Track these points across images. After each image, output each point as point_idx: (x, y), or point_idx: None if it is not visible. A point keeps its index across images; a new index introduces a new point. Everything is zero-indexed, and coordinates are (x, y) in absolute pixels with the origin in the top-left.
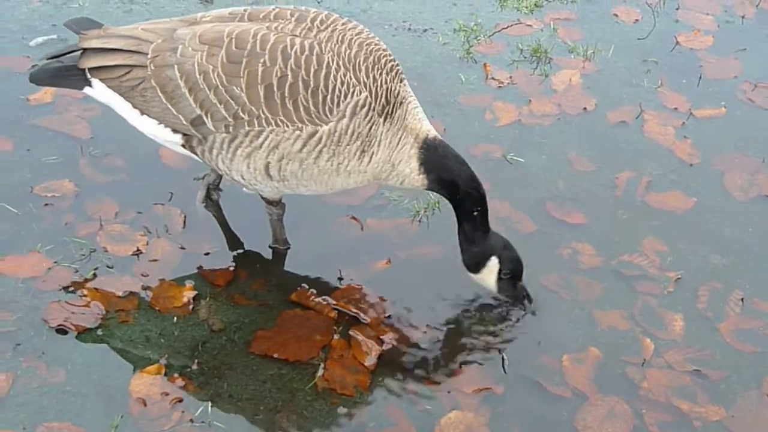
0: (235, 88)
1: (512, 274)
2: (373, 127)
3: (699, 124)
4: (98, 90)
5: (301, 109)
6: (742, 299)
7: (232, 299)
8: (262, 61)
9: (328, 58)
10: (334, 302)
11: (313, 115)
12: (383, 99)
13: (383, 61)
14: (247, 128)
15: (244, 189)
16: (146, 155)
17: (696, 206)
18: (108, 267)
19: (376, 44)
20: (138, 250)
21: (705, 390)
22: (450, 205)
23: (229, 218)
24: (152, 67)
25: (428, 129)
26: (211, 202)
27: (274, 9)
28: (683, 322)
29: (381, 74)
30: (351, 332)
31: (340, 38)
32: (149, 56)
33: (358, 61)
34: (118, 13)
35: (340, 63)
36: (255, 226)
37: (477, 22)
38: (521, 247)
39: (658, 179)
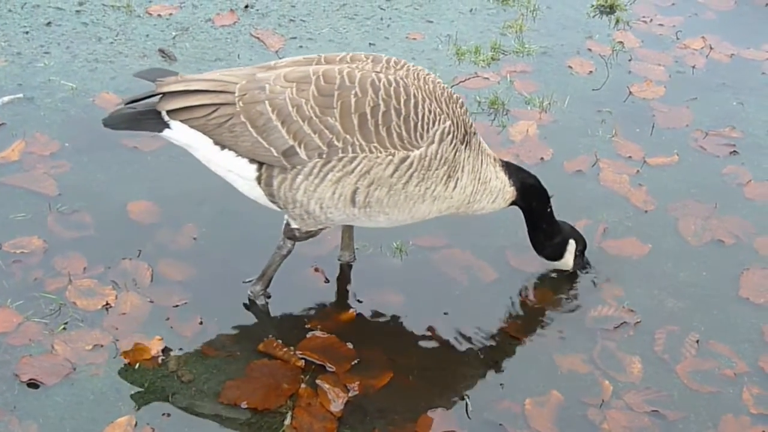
0: (329, 118)
1: (582, 249)
2: (457, 153)
3: (653, 172)
4: (178, 131)
5: (394, 135)
6: (697, 341)
7: (201, 350)
8: (353, 92)
9: (413, 90)
10: (301, 352)
11: (405, 141)
12: (463, 128)
13: (455, 97)
14: (341, 155)
15: (295, 223)
16: (114, 211)
17: (651, 252)
18: (77, 321)
19: (444, 84)
20: (107, 304)
21: (663, 430)
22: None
23: (198, 271)
24: (241, 104)
25: (495, 154)
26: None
27: (348, 54)
28: (641, 365)
29: (456, 107)
30: (318, 381)
31: (415, 75)
32: (237, 95)
33: (436, 94)
34: (83, 72)
35: (424, 95)
36: (222, 278)
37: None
38: (484, 295)
39: (615, 226)
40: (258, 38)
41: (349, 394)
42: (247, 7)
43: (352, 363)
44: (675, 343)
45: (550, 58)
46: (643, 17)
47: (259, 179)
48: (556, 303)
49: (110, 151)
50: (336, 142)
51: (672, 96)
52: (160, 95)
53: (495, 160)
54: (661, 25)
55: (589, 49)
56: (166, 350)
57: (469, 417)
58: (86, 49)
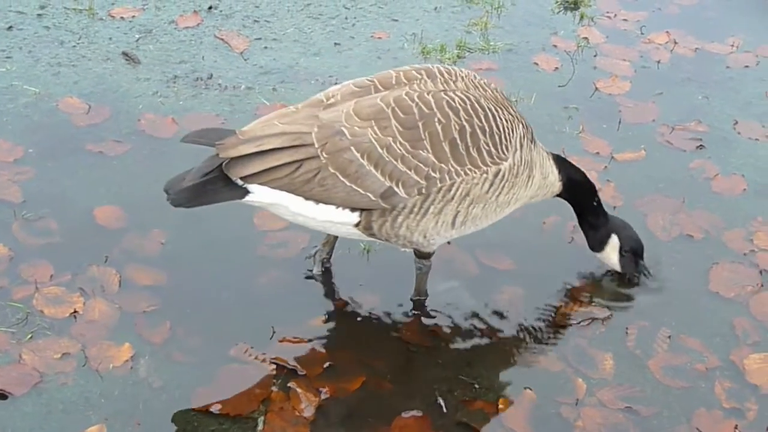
0: (421, 151)
1: (632, 251)
2: (532, 153)
3: (620, 168)
4: (261, 194)
5: (485, 153)
6: (669, 336)
7: (171, 357)
8: (436, 119)
9: (485, 103)
10: (272, 356)
11: (495, 156)
12: (529, 127)
13: (506, 95)
14: (439, 185)
15: (403, 249)
16: (80, 217)
17: None
18: (45, 330)
19: (492, 84)
20: (75, 311)
21: (637, 426)
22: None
23: (166, 276)
24: (325, 155)
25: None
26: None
27: (398, 72)
28: (613, 361)
29: (514, 107)
30: (289, 385)
31: (474, 85)
32: (317, 145)
33: (500, 100)
34: (46, 76)
35: (494, 105)
36: (191, 282)
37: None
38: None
39: None
40: (222, 39)
41: (321, 398)
42: (210, 8)
43: (324, 366)
44: (646, 339)
45: (515, 55)
46: (608, 13)
47: (357, 224)
48: (527, 301)
49: (75, 156)
50: (433, 174)
51: (638, 91)
52: (227, 161)
53: (548, 153)
54: (625, 20)
55: (555, 46)
56: (135, 357)
57: (442, 418)
58: (49, 53)
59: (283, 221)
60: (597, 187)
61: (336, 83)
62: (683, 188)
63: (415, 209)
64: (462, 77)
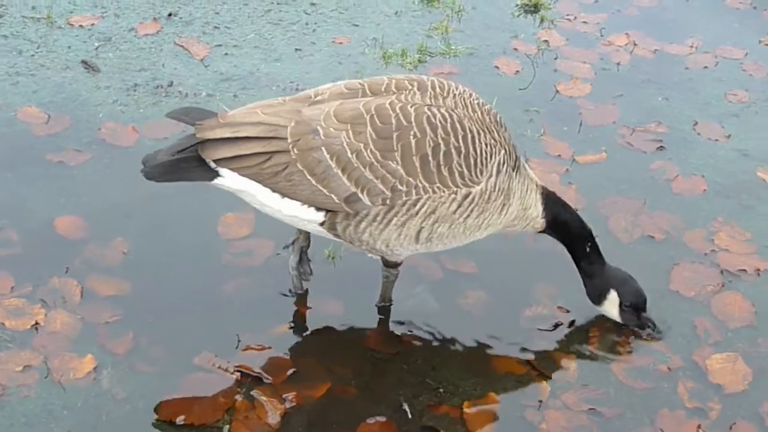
0: (390, 162)
1: (633, 306)
2: (511, 181)
3: (582, 170)
4: (230, 179)
5: (456, 174)
6: (632, 338)
7: (134, 367)
8: (412, 133)
9: (467, 123)
10: (236, 364)
11: (467, 178)
12: (513, 155)
13: (499, 118)
14: (404, 198)
15: (370, 255)
16: (40, 227)
17: None
18: (6, 342)
19: (487, 105)
20: (36, 323)
21: (601, 428)
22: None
23: (128, 286)
24: (296, 151)
25: (537, 178)
26: (305, 270)
27: (390, 80)
28: (577, 363)
29: (504, 132)
30: (254, 393)
31: (463, 103)
32: (289, 140)
33: (487, 122)
34: (4, 86)
35: (478, 127)
36: (154, 292)
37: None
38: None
39: None
40: (183, 47)
41: (286, 406)
42: (170, 15)
43: (289, 374)
44: (610, 341)
45: (476, 59)
46: (567, 15)
47: (322, 224)
48: (491, 305)
49: (35, 166)
50: (399, 186)
51: (598, 93)
52: (202, 142)
53: (537, 186)
54: (585, 22)
55: (515, 49)
56: (98, 368)
57: (408, 423)
58: (7, 62)
59: (247, 229)
60: (576, 211)
61: (297, 89)
62: (644, 189)
63: (378, 218)
64: (454, 94)
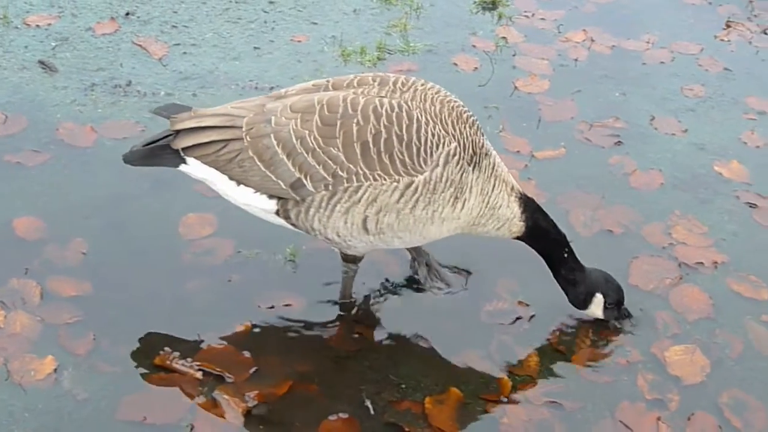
0: (332, 148)
1: (617, 303)
2: (464, 175)
3: (541, 165)
4: (194, 167)
5: (397, 162)
6: (591, 332)
7: (96, 368)
8: (355, 121)
9: (417, 113)
10: (198, 363)
11: (409, 167)
12: (470, 149)
13: (465, 116)
14: (346, 185)
15: (333, 248)
16: None
17: None
18: None
19: (455, 101)
20: None
21: (562, 421)
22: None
23: (88, 286)
24: (248, 139)
25: (516, 184)
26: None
27: (355, 77)
28: (538, 358)
29: (465, 128)
30: (216, 392)
31: (422, 97)
32: (244, 129)
33: (443, 115)
34: None
35: (428, 117)
36: (114, 292)
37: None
38: (386, 291)
39: None
40: (141, 46)
41: (249, 404)
42: (128, 14)
43: (251, 372)
44: (569, 334)
45: (435, 56)
46: (525, 12)
47: (278, 212)
48: (452, 300)
49: None
50: (340, 173)
51: (556, 89)
52: (175, 132)
53: (512, 189)
54: (542, 19)
55: (474, 46)
56: (59, 369)
57: (370, 419)
58: None
59: (209, 228)
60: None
61: (256, 88)
62: (602, 184)
63: (323, 204)
64: (416, 89)
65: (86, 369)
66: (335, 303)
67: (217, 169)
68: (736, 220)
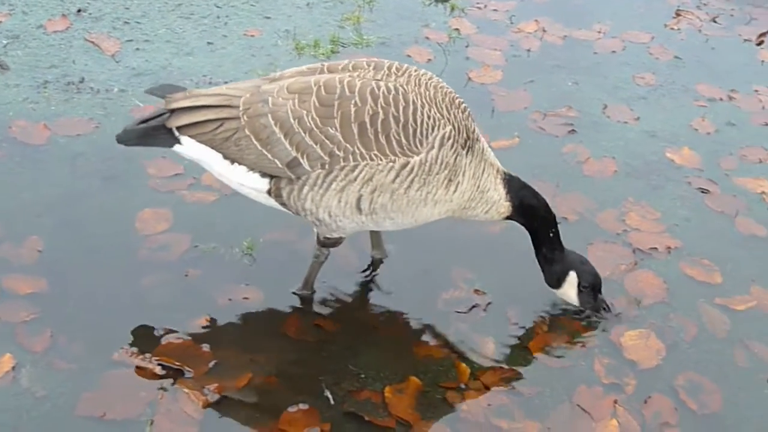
0: (329, 128)
1: (591, 287)
2: (458, 158)
3: (496, 155)
4: (188, 146)
5: (394, 142)
6: (548, 317)
7: (54, 365)
8: (353, 102)
9: (413, 96)
10: (157, 358)
11: (405, 148)
12: (464, 133)
13: (457, 101)
14: (342, 164)
15: (318, 230)
16: None
17: (500, 233)
18: None
19: (447, 87)
20: None
21: (521, 406)
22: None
23: (45, 284)
24: (245, 118)
25: (501, 166)
26: None
27: (350, 61)
28: (495, 345)
29: (458, 113)
30: (175, 386)
31: (417, 82)
32: (241, 108)
33: (437, 100)
34: None
35: (424, 101)
36: (71, 289)
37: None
38: (339, 286)
39: None
40: (93, 42)
41: (209, 397)
42: (79, 11)
43: (210, 365)
44: (526, 321)
45: (388, 48)
46: (477, 4)
47: (269, 192)
48: (409, 290)
49: None
50: (337, 152)
51: (509, 80)
52: (170, 111)
53: (498, 171)
54: (495, 10)
55: (427, 38)
56: (17, 367)
57: (330, 410)
58: None
59: (165, 223)
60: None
61: (210, 83)
62: (557, 172)
63: (318, 182)
64: (410, 74)
65: (44, 366)
66: (294, 294)
67: (212, 147)
68: (689, 206)
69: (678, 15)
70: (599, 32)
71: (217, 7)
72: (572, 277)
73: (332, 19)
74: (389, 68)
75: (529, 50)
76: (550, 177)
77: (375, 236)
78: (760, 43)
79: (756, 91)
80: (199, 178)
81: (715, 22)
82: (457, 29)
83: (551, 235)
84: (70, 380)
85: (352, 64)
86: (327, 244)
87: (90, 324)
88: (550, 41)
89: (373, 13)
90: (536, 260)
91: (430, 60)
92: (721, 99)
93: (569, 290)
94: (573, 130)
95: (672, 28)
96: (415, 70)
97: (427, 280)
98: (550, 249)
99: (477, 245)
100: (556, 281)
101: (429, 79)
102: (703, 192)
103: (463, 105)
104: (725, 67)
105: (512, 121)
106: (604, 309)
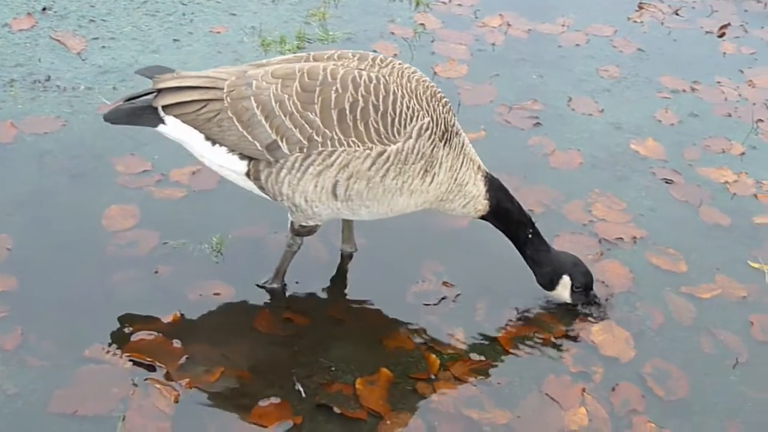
0: (309, 113)
1: (584, 286)
2: (435, 149)
3: None
4: (171, 126)
5: (372, 130)
6: (516, 308)
7: (25, 362)
8: (334, 89)
9: (393, 87)
10: (128, 354)
11: (383, 136)
12: (443, 126)
13: (438, 95)
14: (320, 149)
15: (293, 218)
16: None
17: (468, 226)
18: None
19: (429, 82)
20: None
21: (490, 396)
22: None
23: (15, 281)
24: (228, 100)
25: (483, 164)
26: None
27: (335, 52)
28: (464, 336)
29: (438, 106)
30: (147, 381)
31: (399, 74)
32: (225, 91)
33: (418, 92)
34: None
35: (404, 92)
36: (41, 286)
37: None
38: (310, 280)
39: None
40: (59, 41)
41: (180, 392)
42: (45, 9)
43: (181, 360)
44: (495, 313)
45: (354, 44)
46: None
47: (248, 174)
48: (379, 282)
49: None
50: (316, 137)
51: (475, 74)
52: (157, 91)
53: (479, 168)
54: (459, 5)
55: (392, 33)
56: None
57: (302, 403)
58: None
59: (132, 220)
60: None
61: None
62: (523, 165)
63: (296, 165)
64: (394, 66)
65: (15, 364)
66: (261, 287)
67: (195, 128)
68: (653, 196)
69: (641, 8)
70: (563, 26)
71: (183, 4)
72: (566, 280)
73: (298, 15)
74: (373, 60)
75: (494, 44)
76: (517, 169)
77: (347, 230)
78: (721, 35)
79: (718, 82)
80: (167, 175)
81: (677, 14)
82: (422, 24)
83: (530, 236)
84: (42, 377)
85: (337, 54)
86: (301, 232)
87: (61, 321)
88: (515, 35)
89: (339, 9)
90: (513, 256)
91: (396, 55)
92: (684, 90)
93: (563, 292)
94: (538, 123)
95: (635, 21)
96: (399, 64)
97: (396, 273)
98: (534, 251)
99: (445, 239)
100: (548, 283)
101: (412, 73)
102: (667, 182)
103: (444, 99)
104: (688, 59)
105: (478, 115)
106: (596, 303)
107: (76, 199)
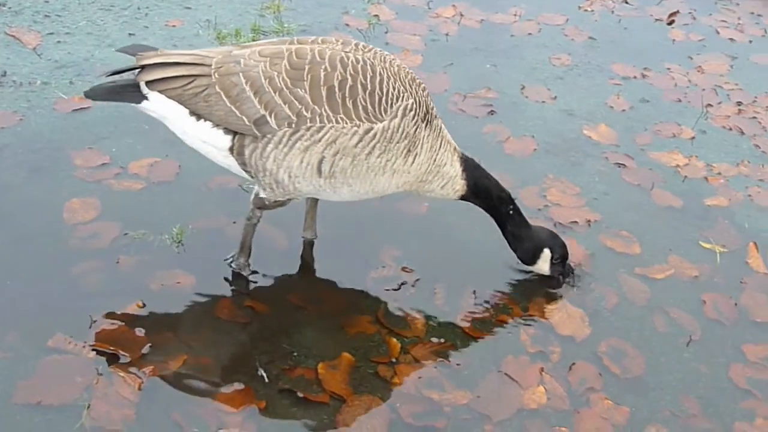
0: (299, 90)
1: (562, 258)
2: (418, 130)
3: None
4: (155, 102)
5: (360, 108)
6: (474, 292)
7: None
8: (323, 67)
9: (380, 69)
10: (92, 344)
11: (370, 114)
12: (424, 108)
13: (417, 81)
14: (309, 124)
15: (269, 194)
16: None
17: (427, 212)
18: None
19: (408, 68)
20: None
21: (450, 378)
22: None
23: None
24: (216, 75)
25: (457, 146)
26: None
27: (318, 37)
28: (424, 319)
29: (418, 89)
30: (111, 369)
31: (381, 58)
32: (213, 67)
33: (401, 75)
34: None
35: (389, 74)
36: (7, 279)
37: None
38: (269, 267)
39: None
40: (14, 36)
41: (144, 380)
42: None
43: (144, 349)
44: (454, 296)
45: (309, 36)
46: None
47: (231, 149)
48: (338, 268)
49: None
50: (305, 113)
51: (429, 63)
52: (140, 68)
53: (455, 150)
54: None
55: (347, 24)
56: None
57: (265, 388)
58: None
59: (93, 212)
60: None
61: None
62: (478, 152)
63: (284, 140)
64: (375, 52)
65: None
66: (229, 266)
67: (180, 103)
68: (606, 180)
69: None
70: (515, 15)
71: None
72: (546, 254)
73: (252, 8)
74: (356, 45)
75: (447, 35)
76: (472, 157)
77: (310, 217)
78: (670, 23)
79: (668, 68)
80: (126, 167)
81: (627, 3)
82: (376, 15)
83: (510, 212)
84: (6, 369)
85: (321, 38)
86: (266, 207)
87: (24, 313)
88: (468, 25)
89: (293, 1)
90: (471, 240)
91: None
92: (634, 77)
93: (543, 265)
94: (493, 111)
95: (586, 10)
96: (380, 51)
97: (356, 259)
98: (515, 226)
99: (404, 224)
100: (530, 258)
101: (393, 59)
102: (619, 167)
103: (423, 85)
104: (638, 47)
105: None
106: (571, 273)
107: (36, 193)
